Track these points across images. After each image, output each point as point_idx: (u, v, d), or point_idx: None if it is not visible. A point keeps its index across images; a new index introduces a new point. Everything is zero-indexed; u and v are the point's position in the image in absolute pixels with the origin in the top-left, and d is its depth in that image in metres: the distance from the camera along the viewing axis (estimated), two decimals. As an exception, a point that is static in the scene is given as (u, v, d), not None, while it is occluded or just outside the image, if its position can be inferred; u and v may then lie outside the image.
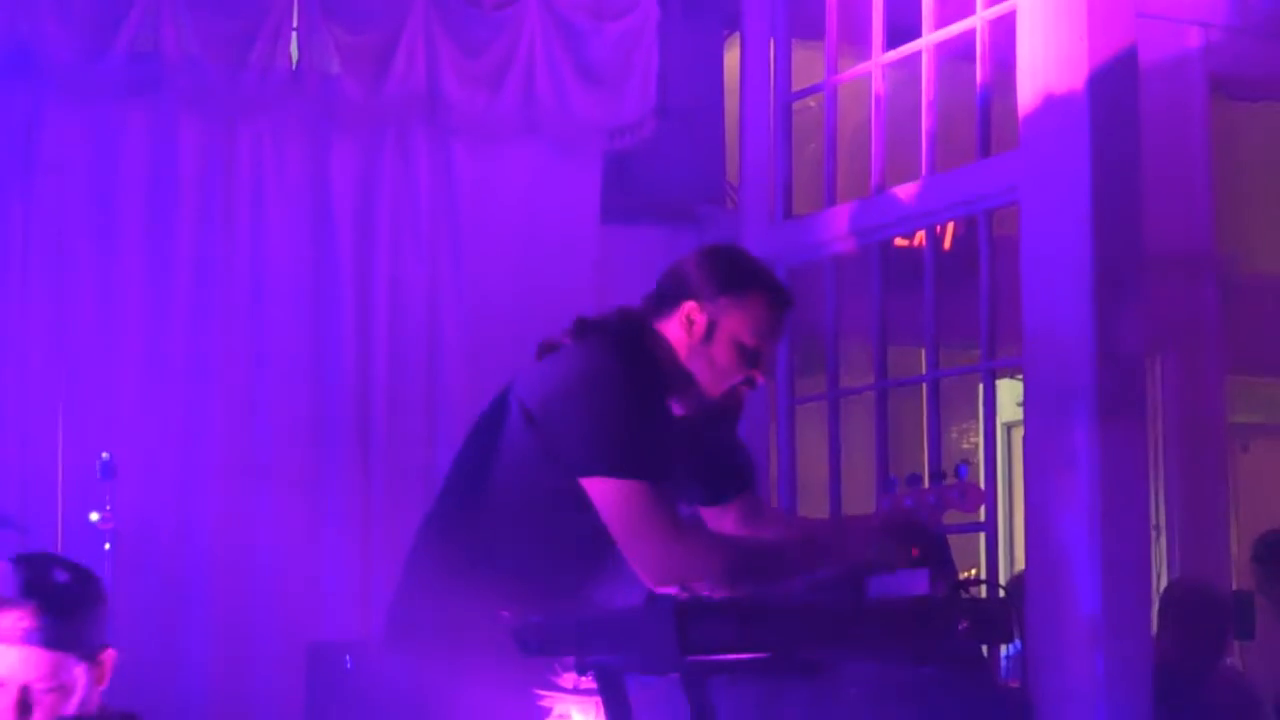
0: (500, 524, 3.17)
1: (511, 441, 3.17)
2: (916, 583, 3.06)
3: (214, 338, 5.73)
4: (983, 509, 4.83)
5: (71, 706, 2.80)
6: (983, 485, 5.20)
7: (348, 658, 5.06)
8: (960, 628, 2.98)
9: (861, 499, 5.54)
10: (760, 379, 3.27)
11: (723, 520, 3.48)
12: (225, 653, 5.63)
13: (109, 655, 2.86)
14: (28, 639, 2.78)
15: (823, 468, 5.68)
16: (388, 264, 5.93)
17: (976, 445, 8.71)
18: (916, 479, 3.46)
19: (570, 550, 3.17)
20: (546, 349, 3.28)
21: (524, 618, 3.00)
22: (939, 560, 3.13)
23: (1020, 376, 4.96)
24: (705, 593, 2.89)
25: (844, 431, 5.66)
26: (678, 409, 3.27)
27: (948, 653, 3.09)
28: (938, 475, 3.50)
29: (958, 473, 3.48)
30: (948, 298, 5.25)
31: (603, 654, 2.92)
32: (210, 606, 5.61)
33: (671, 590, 2.83)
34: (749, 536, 3.36)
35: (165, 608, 5.35)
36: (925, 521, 3.34)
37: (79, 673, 2.80)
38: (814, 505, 5.79)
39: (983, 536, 5.09)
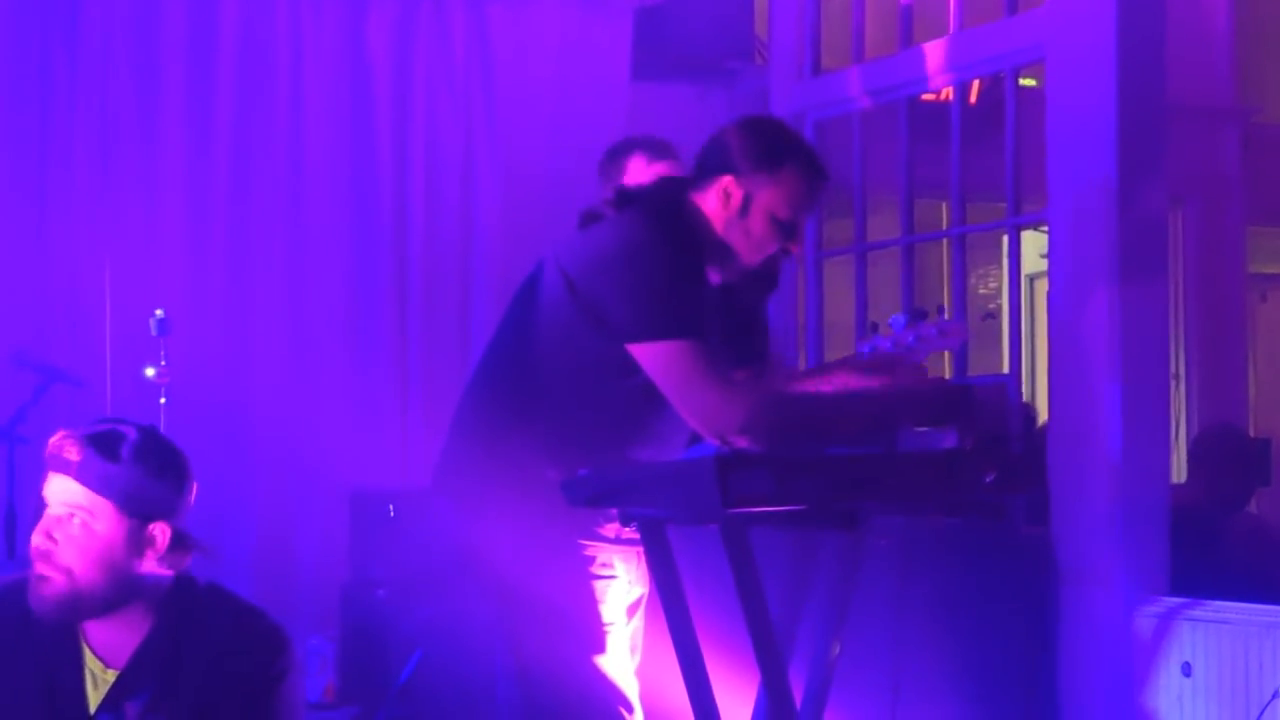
0: (545, 389, 3.24)
1: (554, 310, 3.23)
2: (946, 437, 3.19)
3: (255, 200, 5.80)
4: (1008, 360, 4.90)
5: (95, 551, 2.81)
6: (1006, 337, 5.35)
7: (390, 506, 5.22)
8: (987, 479, 3.07)
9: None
10: (796, 249, 3.32)
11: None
12: (273, 501, 5.77)
13: (159, 528, 2.87)
14: (67, 469, 2.84)
15: (850, 317, 5.73)
16: (424, 124, 5.98)
17: (997, 290, 8.86)
18: (898, 321, 3.43)
19: (613, 414, 3.23)
20: (589, 219, 3.32)
21: (571, 473, 3.10)
22: (968, 414, 3.21)
23: (1044, 228, 5.02)
24: (746, 446, 2.98)
25: (870, 281, 5.68)
26: (714, 277, 3.31)
27: (974, 504, 3.16)
28: (918, 315, 3.48)
29: (938, 311, 3.53)
30: (974, 152, 5.26)
31: (646, 506, 3.04)
32: (258, 458, 5.74)
33: (735, 442, 2.97)
34: (805, 391, 3.33)
35: (215, 460, 5.45)
36: (907, 360, 3.35)
37: (112, 522, 2.83)
38: (841, 354, 5.77)
39: (1006, 387, 5.12)
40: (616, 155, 4.40)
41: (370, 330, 5.92)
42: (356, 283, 5.91)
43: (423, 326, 5.94)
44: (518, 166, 5.96)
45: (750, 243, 3.28)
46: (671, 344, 3.13)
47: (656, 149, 4.36)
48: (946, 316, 3.35)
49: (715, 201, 3.28)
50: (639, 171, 4.29)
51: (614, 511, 3.14)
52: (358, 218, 5.92)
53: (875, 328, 3.38)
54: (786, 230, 3.28)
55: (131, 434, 2.90)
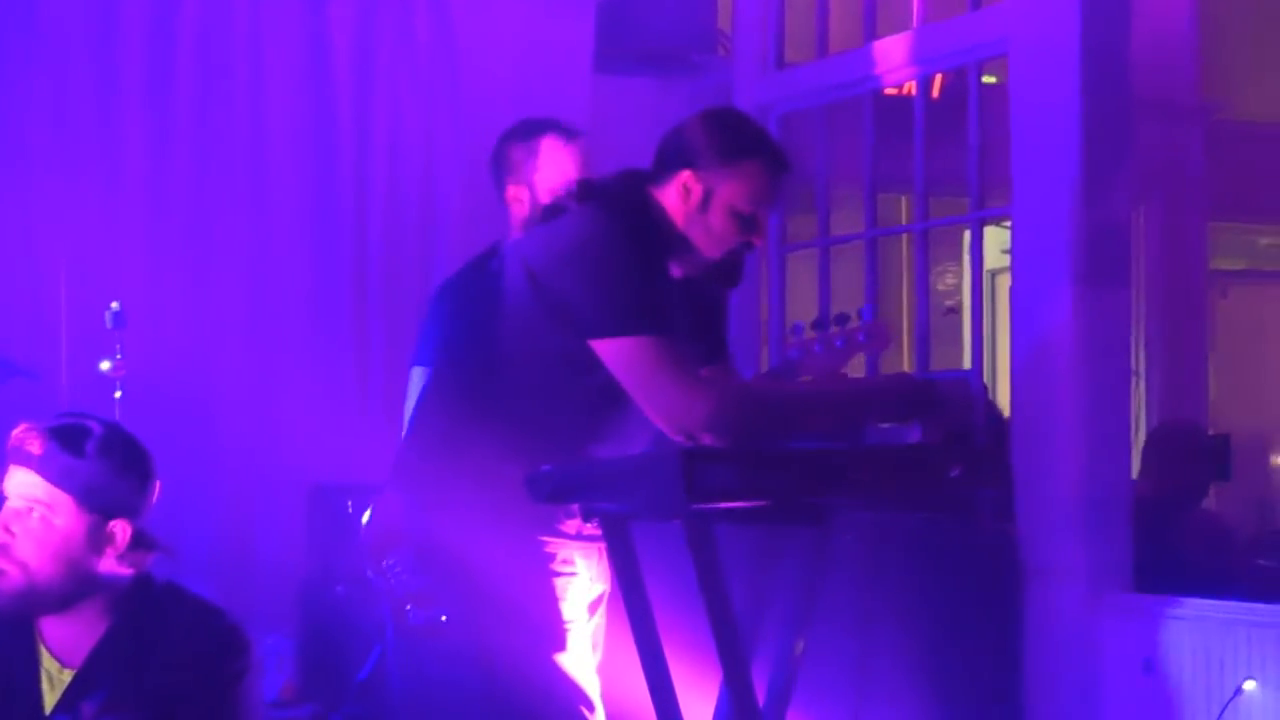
0: (507, 384, 3.20)
1: (517, 303, 3.19)
2: (910, 431, 3.19)
3: (214, 192, 5.74)
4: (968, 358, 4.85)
5: (52, 546, 2.79)
6: (968, 332, 5.31)
7: (349, 502, 5.13)
8: (952, 474, 3.03)
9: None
10: (758, 243, 3.27)
11: None
12: (230, 496, 5.72)
13: (120, 526, 2.85)
14: (28, 462, 2.82)
15: (813, 312, 5.39)
16: (386, 117, 5.94)
17: (956, 287, 8.83)
18: (822, 322, 3.49)
19: (575, 411, 3.19)
20: (552, 211, 3.29)
21: (533, 469, 3.07)
22: (932, 408, 3.17)
23: (1007, 224, 4.99)
24: (711, 443, 2.96)
25: (834, 277, 5.63)
26: (676, 271, 3.28)
27: (940, 499, 3.15)
28: (838, 320, 3.49)
29: (859, 315, 3.54)
30: (937, 147, 5.23)
31: (609, 501, 3.02)
32: (214, 452, 5.68)
33: (701, 439, 2.95)
34: (774, 385, 3.37)
35: (171, 455, 5.35)
36: (831, 365, 3.39)
37: (72, 517, 2.81)
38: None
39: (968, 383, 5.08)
40: (529, 135, 4.24)
41: (330, 323, 5.87)
42: (316, 277, 5.85)
43: (384, 320, 5.89)
44: (480, 159, 5.86)
45: (711, 237, 3.24)
46: (635, 339, 3.09)
47: (570, 130, 4.26)
48: (853, 322, 3.31)
49: (675, 196, 3.23)
50: (554, 152, 4.20)
51: (575, 507, 3.11)
52: (318, 210, 5.86)
53: (799, 330, 3.35)
54: (748, 224, 3.24)
55: (96, 428, 2.87)
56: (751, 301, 5.75)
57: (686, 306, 3.27)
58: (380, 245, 5.92)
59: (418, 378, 4.03)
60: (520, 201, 4.18)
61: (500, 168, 4.27)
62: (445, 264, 5.87)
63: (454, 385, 3.31)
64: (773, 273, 5.83)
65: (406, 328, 5.76)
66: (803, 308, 5.73)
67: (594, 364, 3.13)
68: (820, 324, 3.41)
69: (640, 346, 3.08)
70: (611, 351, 3.11)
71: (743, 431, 3.07)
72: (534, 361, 3.18)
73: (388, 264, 5.93)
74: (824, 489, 3.00)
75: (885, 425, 3.18)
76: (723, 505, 2.93)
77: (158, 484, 2.93)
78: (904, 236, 6.64)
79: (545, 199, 3.93)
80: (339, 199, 5.88)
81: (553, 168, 4.18)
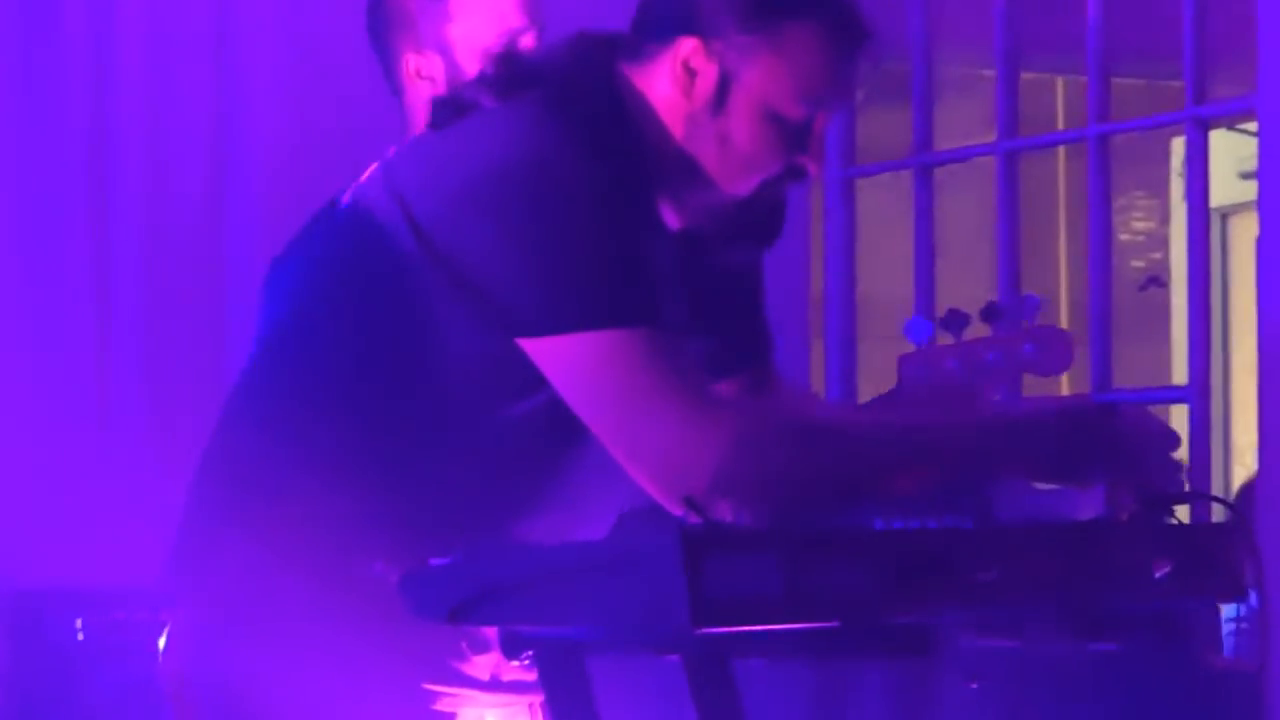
0: (365, 420, 2.39)
1: (386, 278, 2.36)
2: (1084, 500, 2.36)
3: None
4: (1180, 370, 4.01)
5: None
6: (1180, 319, 4.34)
7: (78, 622, 4.25)
8: (1157, 574, 2.26)
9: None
10: (812, 167, 2.45)
11: None
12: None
13: None
14: None
15: (901, 286, 4.71)
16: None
17: (1156, 239, 7.37)
18: (959, 319, 2.69)
19: (490, 460, 2.39)
20: (448, 110, 2.43)
21: (414, 562, 2.24)
22: (1118, 458, 2.36)
23: (1248, 126, 4.05)
24: (731, 515, 2.20)
25: (939, 221, 4.67)
26: (673, 218, 2.43)
27: (1132, 617, 2.43)
28: (989, 314, 2.73)
29: (1025, 307, 2.75)
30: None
31: (551, 621, 2.23)
32: None
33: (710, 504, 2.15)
34: (841, 416, 2.63)
35: None
36: (978, 389, 2.65)
37: None
38: (883, 344, 4.88)
39: (1186, 410, 4.07)
40: None
41: (55, 365, 4.82)
42: (37, 300, 4.86)
43: (139, 359, 4.91)
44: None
45: (730, 157, 2.42)
46: (601, 337, 2.26)
47: None
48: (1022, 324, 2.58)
49: (669, 83, 2.40)
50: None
51: (489, 633, 2.34)
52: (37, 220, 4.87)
53: (927, 330, 2.62)
54: (793, 135, 2.42)
55: None
56: (796, 267, 4.73)
57: (690, 279, 2.46)
58: (135, 258, 4.89)
59: None
60: (427, 80, 3.36)
61: (384, 27, 3.46)
62: (242, 267, 4.87)
63: (265, 421, 2.43)
64: (830, 211, 4.79)
65: (181, 350, 4.84)
66: (883, 277, 4.88)
67: (525, 379, 2.30)
68: (955, 319, 2.69)
69: (610, 349, 2.27)
70: (559, 357, 2.28)
71: (785, 492, 2.26)
72: (417, 377, 2.35)
73: (143, 296, 4.90)
74: (931, 599, 2.21)
75: (1037, 487, 2.39)
76: (754, 628, 2.18)
77: None
78: (1060, 151, 5.38)
79: (468, 70, 3.21)
80: (66, 203, 4.89)
81: (482, 15, 3.37)
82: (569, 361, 2.25)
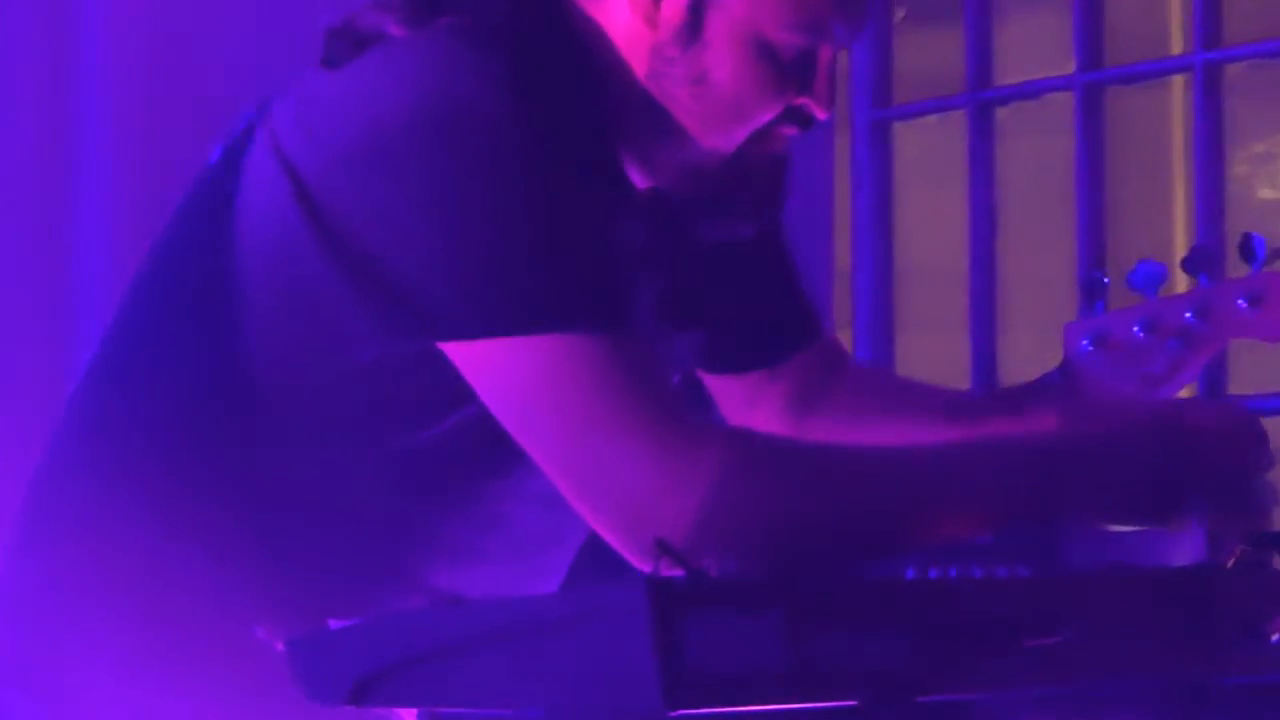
0: (242, 436, 2.07)
1: (266, 261, 2.03)
2: (1178, 541, 2.02)
3: None
4: None
5: None
6: None
7: None
8: (1275, 637, 1.91)
9: (1044, 317, 4.04)
10: (819, 112, 2.13)
11: (752, 402, 2.38)
12: None
13: None
14: None
15: (950, 245, 4.38)
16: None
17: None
18: (1154, 272, 2.38)
19: (404, 491, 2.07)
20: (343, 43, 2.08)
21: (305, 624, 1.90)
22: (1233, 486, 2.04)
23: None
24: (717, 566, 1.84)
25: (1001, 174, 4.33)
26: (640, 177, 2.11)
27: (1246, 690, 2.06)
28: (1201, 261, 2.41)
29: (1249, 249, 2.41)
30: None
31: (483, 702, 1.91)
32: None
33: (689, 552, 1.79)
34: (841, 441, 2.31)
35: None
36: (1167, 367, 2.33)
37: None
38: (926, 331, 4.53)
39: None
40: None
41: None
42: None
43: None
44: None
45: (711, 101, 2.10)
46: (548, 341, 1.93)
47: None
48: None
49: (628, 8, 2.08)
50: None
51: (403, 717, 1.97)
52: None
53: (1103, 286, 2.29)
54: (792, 71, 2.08)
55: None
56: (814, 235, 4.20)
57: (673, 255, 2.17)
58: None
59: None
60: None
61: None
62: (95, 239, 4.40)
63: (119, 450, 2.11)
64: (859, 163, 4.41)
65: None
66: (926, 245, 4.51)
67: (447, 390, 1.98)
68: (1149, 272, 2.38)
69: (556, 359, 1.94)
70: (492, 365, 1.95)
71: (786, 543, 1.94)
72: (302, 379, 2.02)
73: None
74: (979, 671, 1.88)
75: (1119, 526, 2.06)
76: (746, 710, 1.85)
77: None
78: (1175, 82, 4.85)
79: None
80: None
81: None
82: (501, 370, 1.92)
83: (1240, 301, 2.27)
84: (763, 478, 1.92)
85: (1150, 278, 2.45)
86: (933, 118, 4.59)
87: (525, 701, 1.90)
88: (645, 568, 1.89)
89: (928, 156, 4.65)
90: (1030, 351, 4.18)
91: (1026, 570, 1.94)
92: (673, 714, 1.77)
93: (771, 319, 2.37)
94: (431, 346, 1.92)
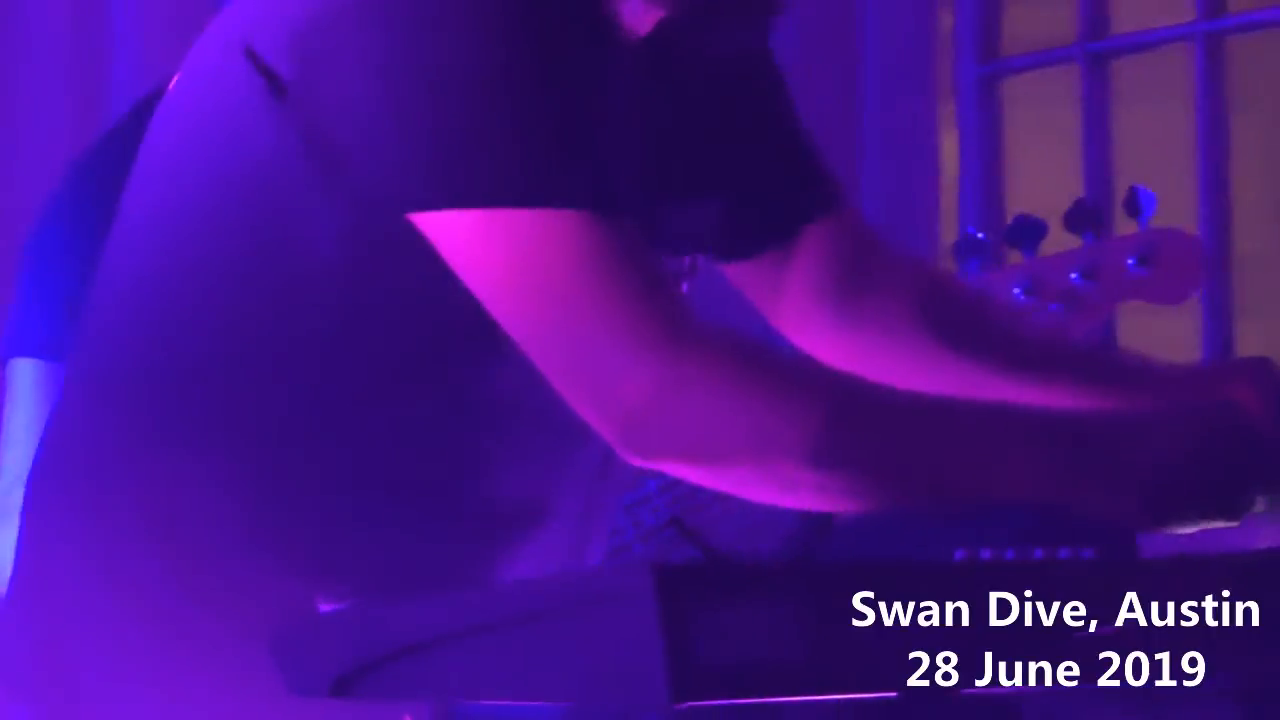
0: (206, 360, 1.92)
1: (232, 157, 1.88)
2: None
3: None
4: None
5: None
6: None
7: None
8: None
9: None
10: None
11: (775, 293, 2.15)
12: None
13: None
14: None
15: (1055, 194, 4.11)
16: None
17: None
18: (1032, 228, 2.30)
19: (393, 398, 1.93)
20: None
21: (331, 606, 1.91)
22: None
23: None
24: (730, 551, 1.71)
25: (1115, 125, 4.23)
26: (636, 20, 1.92)
27: None
28: (1083, 219, 2.32)
29: (1134, 203, 2.28)
30: None
31: (485, 693, 1.78)
32: None
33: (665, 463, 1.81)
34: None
35: None
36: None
37: None
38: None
39: None
40: None
41: None
42: None
43: None
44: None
45: None
46: (525, 216, 1.80)
47: None
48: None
49: None
50: None
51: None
52: None
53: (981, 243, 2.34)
54: None
55: None
56: (918, 196, 4.09)
57: (663, 115, 1.97)
58: None
59: (22, 378, 2.80)
60: None
61: None
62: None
63: (102, 399, 1.96)
64: (963, 117, 4.25)
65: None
66: (1038, 205, 4.39)
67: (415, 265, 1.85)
68: (1025, 231, 2.28)
69: (538, 231, 1.81)
70: (466, 238, 1.82)
71: (743, 456, 1.81)
72: (272, 287, 1.89)
73: None
74: (1031, 663, 1.71)
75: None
76: (762, 702, 1.71)
77: None
78: None
79: None
80: None
81: None
82: (478, 248, 1.80)
83: (1130, 260, 2.17)
84: (738, 386, 1.79)
85: (1029, 232, 2.34)
86: (1043, 71, 4.51)
87: (528, 692, 1.81)
88: (626, 454, 1.81)
89: (1038, 112, 4.55)
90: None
91: (1088, 550, 1.82)
92: (680, 706, 1.68)
93: (775, 184, 2.14)
94: (401, 220, 1.80)
